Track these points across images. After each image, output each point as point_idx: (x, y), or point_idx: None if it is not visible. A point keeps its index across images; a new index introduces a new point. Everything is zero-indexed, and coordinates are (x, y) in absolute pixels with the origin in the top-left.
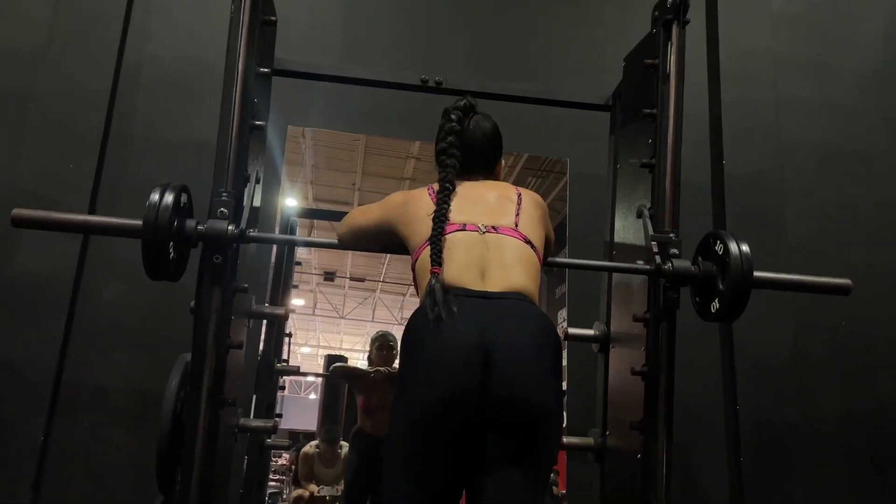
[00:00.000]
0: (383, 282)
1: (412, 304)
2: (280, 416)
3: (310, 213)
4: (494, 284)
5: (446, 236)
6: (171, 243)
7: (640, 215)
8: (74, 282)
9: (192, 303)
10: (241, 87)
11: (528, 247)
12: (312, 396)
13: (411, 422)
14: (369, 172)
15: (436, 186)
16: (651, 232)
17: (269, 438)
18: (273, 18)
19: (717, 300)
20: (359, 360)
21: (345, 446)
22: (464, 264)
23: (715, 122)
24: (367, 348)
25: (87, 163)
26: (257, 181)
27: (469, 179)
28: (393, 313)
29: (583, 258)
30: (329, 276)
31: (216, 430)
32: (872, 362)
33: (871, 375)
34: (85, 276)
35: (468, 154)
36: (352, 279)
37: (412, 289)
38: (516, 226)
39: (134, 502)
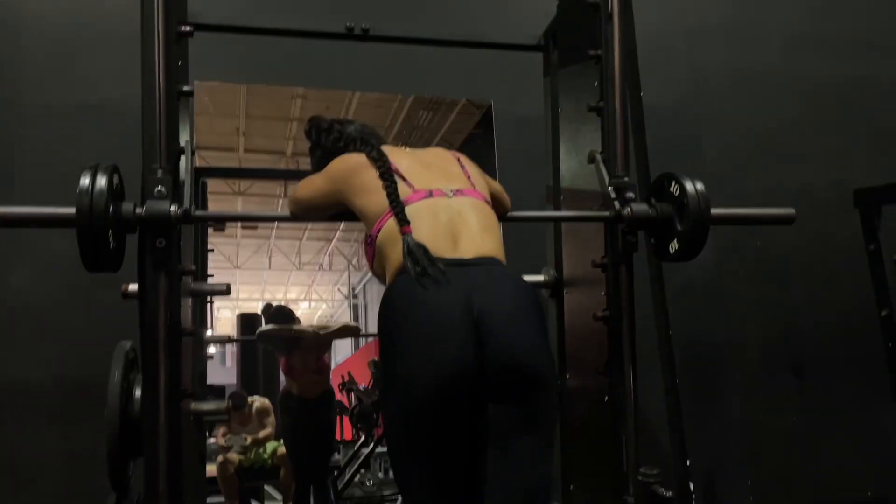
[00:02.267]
0: (278, 228)
1: (309, 247)
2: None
3: (222, 173)
4: (468, 251)
5: (416, 204)
6: (110, 231)
7: (592, 160)
8: None
9: (125, 286)
10: (164, 49)
11: (488, 207)
12: (213, 349)
13: (413, 405)
14: (254, 116)
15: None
16: (607, 177)
17: None
18: None
19: (675, 241)
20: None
21: (256, 401)
22: (436, 232)
23: (630, 54)
24: (267, 297)
25: None
26: (192, 152)
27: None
28: (290, 259)
29: (514, 202)
30: (219, 227)
31: (179, 426)
32: (785, 275)
33: (784, 287)
34: None
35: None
36: (244, 227)
37: (309, 232)
38: (473, 186)
39: None
